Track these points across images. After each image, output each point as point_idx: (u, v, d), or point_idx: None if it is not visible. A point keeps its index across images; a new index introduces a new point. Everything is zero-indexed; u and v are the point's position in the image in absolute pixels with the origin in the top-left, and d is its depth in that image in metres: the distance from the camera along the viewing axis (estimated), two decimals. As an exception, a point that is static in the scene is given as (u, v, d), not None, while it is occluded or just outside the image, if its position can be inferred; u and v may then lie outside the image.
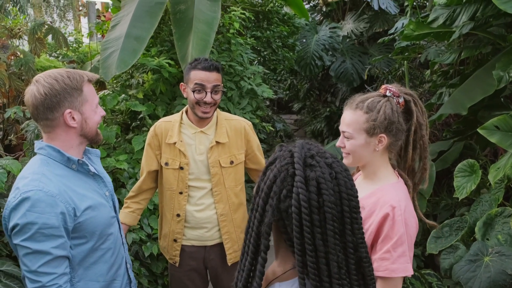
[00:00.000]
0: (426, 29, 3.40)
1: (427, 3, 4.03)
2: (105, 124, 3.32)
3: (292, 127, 7.79)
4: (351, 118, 1.53)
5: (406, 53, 4.44)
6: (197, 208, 2.16)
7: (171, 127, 2.18)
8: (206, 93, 2.05)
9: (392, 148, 1.57)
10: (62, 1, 8.94)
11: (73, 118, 1.43)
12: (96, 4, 7.60)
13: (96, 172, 1.55)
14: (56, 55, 6.89)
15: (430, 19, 3.08)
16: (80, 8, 7.20)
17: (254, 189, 1.02)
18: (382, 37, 6.98)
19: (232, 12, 3.92)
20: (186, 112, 2.21)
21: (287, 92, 8.23)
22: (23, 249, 1.32)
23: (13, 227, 1.33)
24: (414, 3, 4.60)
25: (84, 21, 7.93)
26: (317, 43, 6.55)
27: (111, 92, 3.26)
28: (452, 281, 2.66)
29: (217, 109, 2.24)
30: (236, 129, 2.21)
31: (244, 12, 4.14)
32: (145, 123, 3.46)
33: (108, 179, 1.62)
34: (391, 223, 1.44)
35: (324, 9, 7.37)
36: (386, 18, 6.61)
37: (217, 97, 2.09)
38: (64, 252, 1.36)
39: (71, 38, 7.34)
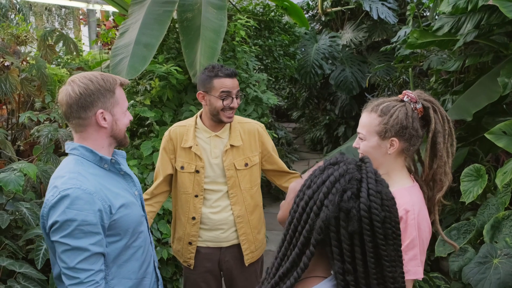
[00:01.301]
0: (429, 37, 3.47)
1: (428, 13, 4.11)
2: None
3: (291, 135, 7.83)
4: (366, 120, 1.58)
5: (408, 61, 4.52)
6: (213, 210, 2.20)
7: (186, 131, 2.23)
8: (232, 99, 2.13)
9: (406, 152, 1.59)
10: (63, 10, 9.01)
11: (104, 118, 1.48)
12: (96, 13, 7.64)
13: (126, 171, 1.58)
14: (56, 63, 6.92)
15: (435, 27, 3.14)
16: (81, 16, 7.23)
17: (302, 182, 1.01)
18: (380, 46, 7.09)
19: (238, 21, 3.97)
20: (200, 117, 2.25)
21: (286, 100, 8.30)
22: (62, 246, 1.34)
23: (52, 225, 1.35)
24: (415, 13, 4.70)
25: (84, 29, 7.96)
26: (317, 51, 6.62)
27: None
28: (460, 283, 2.70)
29: None
30: (249, 131, 2.26)
31: (249, 20, 4.20)
32: (152, 129, 3.48)
33: (136, 179, 1.65)
34: (403, 226, 1.47)
35: (323, 18, 7.45)
36: (384, 27, 6.71)
37: (239, 101, 2.19)
38: (101, 249, 1.38)
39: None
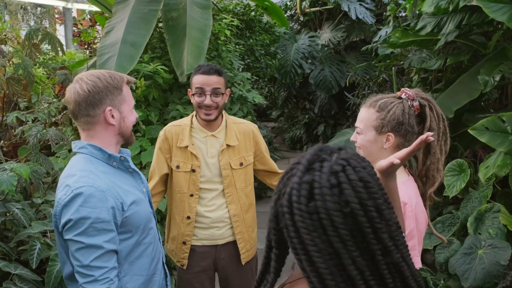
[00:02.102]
0: (411, 37, 3.58)
1: (404, 13, 4.22)
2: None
3: (270, 134, 7.89)
4: (364, 115, 1.63)
5: (388, 60, 4.63)
6: (208, 208, 2.21)
7: (181, 131, 2.22)
8: (205, 96, 2.10)
9: (402, 148, 1.64)
10: (39, 9, 8.80)
11: (112, 116, 1.48)
12: (72, 12, 7.51)
13: (134, 169, 1.58)
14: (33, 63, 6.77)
15: (418, 27, 3.24)
16: (57, 15, 7.10)
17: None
18: (358, 46, 7.23)
19: (223, 20, 3.99)
20: (196, 116, 2.25)
21: (265, 99, 8.36)
22: (76, 244, 1.34)
23: (66, 223, 1.35)
24: (395, 13, 4.82)
25: (60, 28, 7.82)
26: (296, 51, 6.69)
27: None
28: (446, 274, 2.79)
29: (225, 113, 2.30)
30: (244, 132, 2.28)
31: (234, 19, 4.22)
32: (139, 128, 3.46)
33: (143, 176, 1.66)
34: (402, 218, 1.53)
35: (301, 18, 7.54)
36: (362, 27, 6.83)
37: (218, 99, 2.12)
38: (114, 246, 1.39)
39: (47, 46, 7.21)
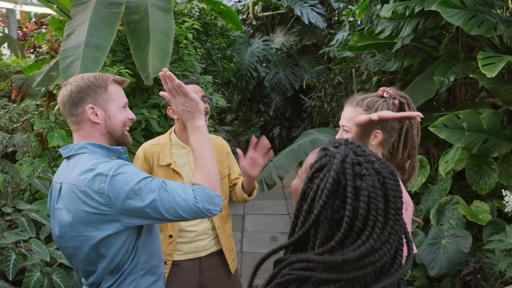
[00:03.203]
0: (368, 40, 3.74)
1: (352, 18, 4.42)
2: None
3: (228, 137, 7.93)
4: (352, 113, 1.69)
5: (344, 63, 4.81)
6: (192, 223, 2.17)
7: (161, 149, 2.20)
8: None
9: (385, 144, 1.74)
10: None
11: (96, 114, 1.48)
12: (16, 14, 7.18)
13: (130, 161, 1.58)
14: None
15: (377, 31, 3.40)
16: (0, 18, 6.75)
17: (299, 195, 1.02)
18: (310, 50, 7.44)
19: (185, 24, 3.99)
20: (175, 133, 2.24)
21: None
22: (153, 203, 1.35)
23: (125, 198, 1.35)
24: (342, 18, 5.04)
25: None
26: (251, 55, 6.78)
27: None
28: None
29: None
30: (218, 146, 2.30)
31: (196, 23, 4.22)
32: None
33: None
34: None
35: (254, 22, 7.63)
36: (314, 31, 7.03)
37: (207, 106, 2.17)
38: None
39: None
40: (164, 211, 1.36)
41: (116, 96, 1.53)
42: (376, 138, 1.68)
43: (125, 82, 1.58)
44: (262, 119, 7.56)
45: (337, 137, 1.76)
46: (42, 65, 3.75)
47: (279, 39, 7.29)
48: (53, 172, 2.74)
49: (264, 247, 4.48)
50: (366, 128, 1.37)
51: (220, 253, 2.27)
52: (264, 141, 2.09)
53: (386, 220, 0.92)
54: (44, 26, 6.04)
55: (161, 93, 1.56)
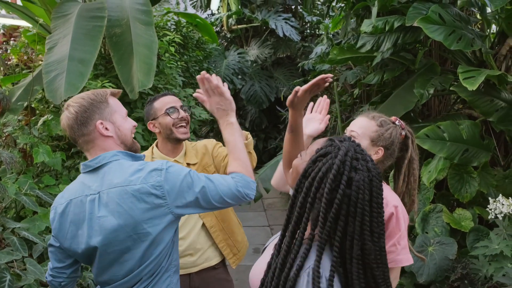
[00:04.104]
0: (348, 53, 3.85)
1: (340, 31, 4.53)
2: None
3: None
4: (364, 123, 1.74)
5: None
6: (179, 236, 2.17)
7: None
8: (179, 111, 2.18)
9: (379, 165, 1.79)
10: None
11: (106, 128, 1.51)
12: (-17, 25, 6.98)
13: None
14: None
15: (358, 45, 3.50)
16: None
17: (300, 171, 1.24)
18: (285, 62, 7.54)
19: (168, 37, 3.98)
20: (157, 146, 2.28)
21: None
22: (201, 191, 1.45)
23: (180, 188, 1.43)
24: (315, 31, 5.16)
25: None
26: (227, 67, 6.81)
27: (52, 117, 3.09)
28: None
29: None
30: (200, 149, 2.31)
31: (176, 36, 4.22)
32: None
33: None
34: (395, 220, 1.66)
35: (228, 35, 7.69)
36: (288, 44, 7.15)
37: (187, 115, 2.23)
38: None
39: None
40: (211, 198, 1.46)
41: (118, 107, 1.57)
42: (377, 155, 1.72)
43: (119, 93, 1.63)
44: (237, 131, 7.58)
45: None
46: (18, 78, 3.65)
47: (253, 51, 7.36)
48: (39, 188, 2.67)
49: (247, 259, 4.46)
50: (294, 102, 1.58)
51: (212, 269, 2.26)
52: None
53: (371, 211, 1.15)
54: (12, 38, 5.88)
55: (195, 94, 1.68)
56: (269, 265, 1.23)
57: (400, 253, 1.63)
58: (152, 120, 2.21)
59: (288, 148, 1.70)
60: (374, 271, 1.15)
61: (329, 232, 1.14)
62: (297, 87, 1.56)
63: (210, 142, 2.37)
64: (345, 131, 1.81)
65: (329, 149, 1.20)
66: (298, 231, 1.17)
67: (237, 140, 1.60)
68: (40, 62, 4.11)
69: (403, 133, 1.75)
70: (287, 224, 1.21)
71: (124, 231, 1.42)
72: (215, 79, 1.60)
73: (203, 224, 2.23)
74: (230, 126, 1.61)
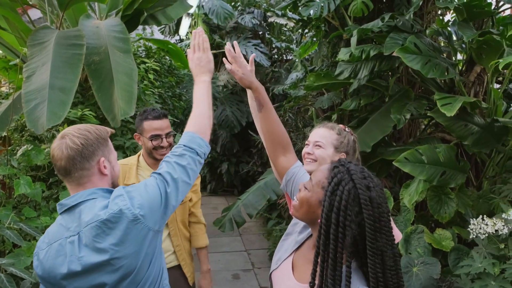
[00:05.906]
0: (324, 80, 3.97)
1: (291, 56, 4.66)
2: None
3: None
4: (326, 133, 1.88)
5: (293, 101, 5.01)
6: None
7: (128, 169, 2.40)
8: (162, 139, 2.33)
9: None
10: None
11: (105, 166, 1.49)
12: None
13: None
14: None
15: (337, 72, 3.63)
16: None
17: (313, 203, 1.34)
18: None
19: (147, 64, 3.98)
20: (142, 155, 2.45)
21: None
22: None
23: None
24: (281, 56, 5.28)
25: None
26: (198, 92, 6.83)
27: (32, 147, 3.00)
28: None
29: None
30: None
31: (154, 64, 4.22)
32: (64, 178, 3.23)
33: None
34: None
35: (198, 60, 7.72)
36: (258, 70, 7.25)
37: (171, 140, 2.38)
38: None
39: None
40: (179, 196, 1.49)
41: (112, 147, 1.56)
42: None
43: (112, 132, 1.59)
44: (209, 156, 7.56)
45: (307, 151, 1.87)
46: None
47: (223, 76, 7.42)
48: (21, 221, 2.58)
49: (227, 286, 4.44)
50: (247, 83, 1.73)
51: (179, 267, 2.43)
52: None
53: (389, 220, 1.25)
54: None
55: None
56: None
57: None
58: (138, 133, 2.40)
59: (266, 127, 1.75)
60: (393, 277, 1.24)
61: (364, 252, 1.21)
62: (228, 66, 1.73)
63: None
64: (307, 142, 1.91)
65: (340, 176, 1.28)
66: (337, 262, 1.22)
67: (205, 96, 1.67)
68: (11, 90, 4.00)
69: (352, 138, 1.91)
70: (324, 260, 1.25)
71: (120, 260, 1.39)
72: (204, 35, 1.74)
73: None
74: (203, 84, 1.70)
